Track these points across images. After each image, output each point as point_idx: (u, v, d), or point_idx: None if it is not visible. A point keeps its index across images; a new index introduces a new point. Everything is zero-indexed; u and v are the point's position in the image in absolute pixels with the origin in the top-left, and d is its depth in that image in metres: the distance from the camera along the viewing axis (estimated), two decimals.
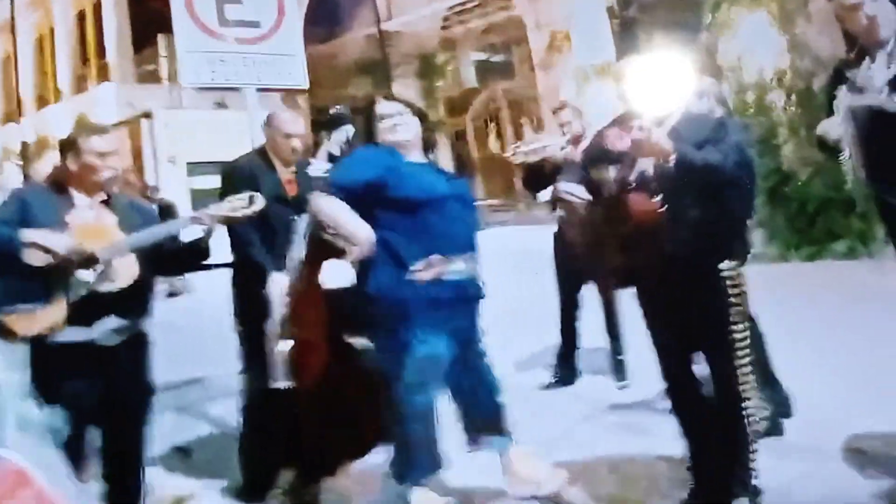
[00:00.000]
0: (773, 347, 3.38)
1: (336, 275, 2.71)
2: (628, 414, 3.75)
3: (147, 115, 14.94)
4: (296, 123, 3.40)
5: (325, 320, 2.86)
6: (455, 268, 2.69)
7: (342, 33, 16.98)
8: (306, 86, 4.72)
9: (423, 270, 2.65)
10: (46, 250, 2.54)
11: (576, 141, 4.15)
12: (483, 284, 2.83)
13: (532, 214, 11.47)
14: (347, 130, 3.22)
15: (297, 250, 3.01)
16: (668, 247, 2.49)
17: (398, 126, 2.81)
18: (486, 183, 16.33)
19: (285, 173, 3.36)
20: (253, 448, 3.23)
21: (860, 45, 2.53)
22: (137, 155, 15.20)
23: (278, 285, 3.04)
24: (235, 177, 3.31)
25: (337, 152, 3.19)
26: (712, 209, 2.53)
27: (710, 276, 2.54)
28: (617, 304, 4.11)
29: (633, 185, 2.55)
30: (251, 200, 2.90)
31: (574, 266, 4.16)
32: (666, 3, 12.59)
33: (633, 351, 4.00)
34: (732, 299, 2.56)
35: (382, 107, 2.87)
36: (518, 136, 15.66)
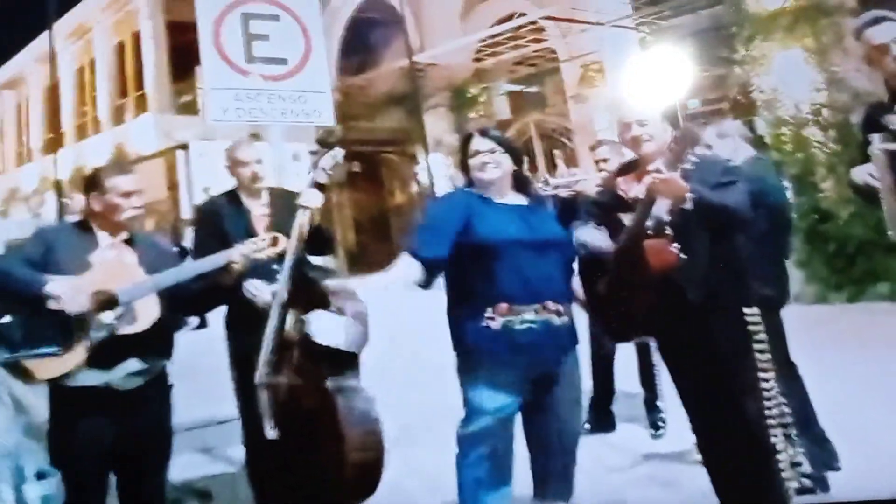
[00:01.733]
0: (814, 393, 3.24)
1: (328, 331, 2.58)
2: (662, 464, 3.61)
3: (183, 147, 15.17)
4: (249, 149, 3.34)
5: (307, 364, 2.76)
6: (525, 317, 2.53)
7: (375, 66, 17.14)
8: (333, 123, 4.72)
9: (494, 318, 2.53)
10: (67, 304, 2.51)
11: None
12: (575, 332, 2.66)
13: None
14: (335, 155, 2.95)
15: (281, 289, 2.79)
16: (689, 293, 2.41)
17: (488, 164, 2.69)
18: None
19: (256, 207, 3.30)
20: (259, 495, 3.15)
21: (892, 89, 2.43)
22: (173, 186, 15.40)
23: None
24: (200, 219, 3.34)
25: (324, 180, 2.94)
26: (731, 253, 2.49)
27: (733, 322, 2.48)
28: (652, 350, 3.98)
29: (650, 231, 2.50)
30: (274, 240, 2.87)
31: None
32: (699, 37, 12.55)
33: (670, 399, 3.87)
34: (758, 345, 2.48)
35: (476, 143, 2.74)
36: (551, 167, 15.60)
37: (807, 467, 3.02)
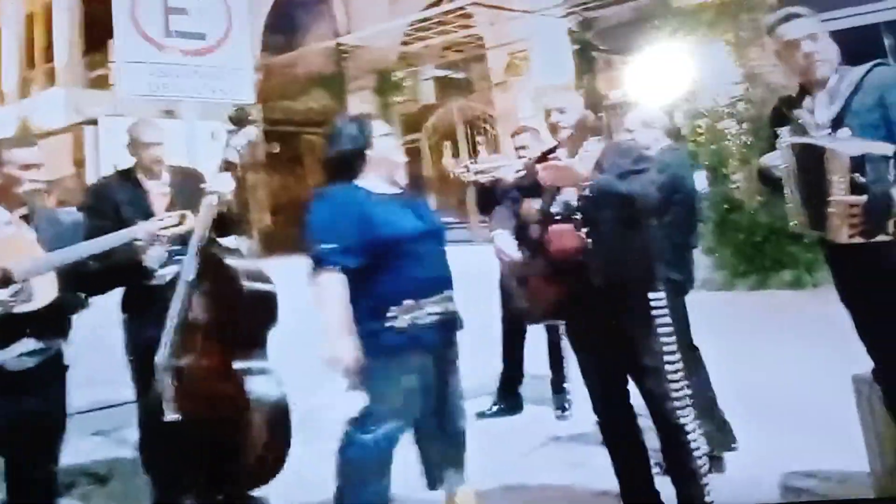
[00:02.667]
0: (716, 377, 3.36)
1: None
2: (568, 446, 3.69)
3: (92, 122, 14.57)
4: (152, 131, 3.26)
5: (213, 346, 2.73)
6: (430, 310, 2.47)
7: (300, 45, 16.84)
8: (252, 100, 4.62)
9: (397, 317, 2.44)
10: None
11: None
12: (459, 317, 2.61)
13: (483, 233, 11.46)
14: (248, 134, 2.86)
15: (187, 269, 2.72)
16: (593, 277, 2.48)
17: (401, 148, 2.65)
18: (439, 200, 16.32)
19: (157, 186, 3.23)
20: (153, 477, 3.09)
21: (801, 84, 2.53)
22: (80, 162, 14.80)
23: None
24: (92, 199, 3.25)
25: (235, 158, 2.83)
26: (637, 238, 2.55)
27: (638, 306, 2.54)
28: (561, 333, 4.06)
29: (558, 216, 2.56)
30: (182, 218, 2.80)
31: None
32: (624, 29, 12.80)
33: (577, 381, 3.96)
34: (663, 328, 2.55)
35: (381, 125, 2.64)
36: (473, 153, 15.68)
37: (704, 448, 3.14)
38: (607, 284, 2.49)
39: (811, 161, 2.31)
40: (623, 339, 2.56)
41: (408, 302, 2.44)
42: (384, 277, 2.46)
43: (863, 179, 2.17)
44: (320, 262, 2.43)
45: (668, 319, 2.56)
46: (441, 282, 2.55)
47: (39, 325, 2.56)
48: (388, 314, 2.43)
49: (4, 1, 18.54)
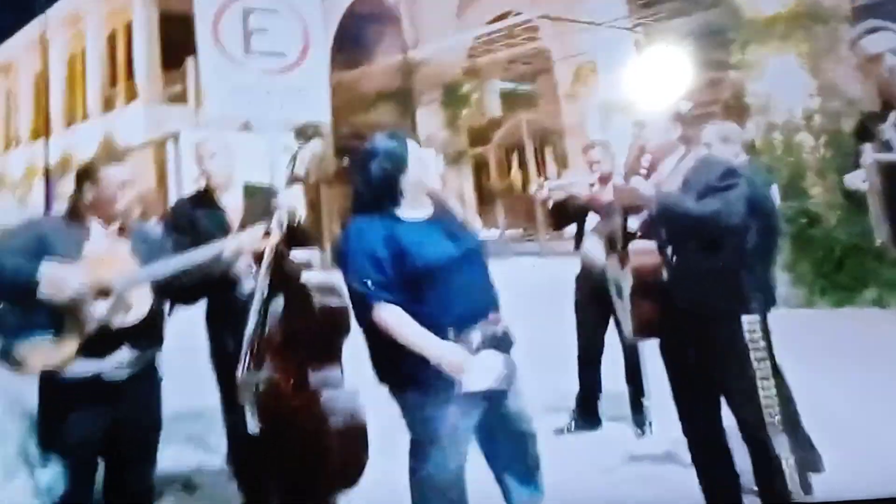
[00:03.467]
0: (798, 396, 3.28)
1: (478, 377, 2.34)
2: (648, 465, 3.63)
3: (173, 137, 15.10)
4: (211, 143, 3.32)
5: (288, 358, 2.79)
6: (475, 338, 2.37)
7: (368, 61, 17.12)
8: (328, 119, 4.73)
9: None
10: (60, 288, 2.50)
11: (604, 180, 4.08)
12: (511, 335, 2.52)
13: (553, 246, 11.41)
14: (314, 148, 2.96)
15: (261, 284, 2.80)
16: (676, 298, 2.44)
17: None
18: (507, 213, 16.31)
19: (231, 203, 3.31)
20: (241, 486, 3.14)
21: (884, 99, 2.46)
22: (162, 177, 15.33)
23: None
24: (175, 220, 3.33)
25: (302, 173, 2.90)
26: (724, 259, 2.49)
27: (731, 331, 2.49)
28: (639, 349, 4.02)
29: (639, 234, 2.54)
30: (266, 234, 2.88)
31: (596, 308, 4.07)
32: (695, 41, 12.60)
33: (657, 399, 3.90)
34: (757, 353, 2.49)
35: (415, 147, 2.58)
36: (541, 166, 15.65)
37: (794, 470, 3.06)
38: (694, 305, 2.45)
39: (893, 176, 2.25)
40: (715, 361, 2.52)
41: (450, 333, 2.35)
42: (423, 309, 2.37)
43: None
44: (362, 300, 2.39)
45: (762, 343, 2.51)
46: (483, 306, 2.44)
47: (136, 335, 2.66)
48: None
49: (88, 20, 19.45)
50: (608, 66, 13.58)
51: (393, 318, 2.36)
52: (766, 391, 2.50)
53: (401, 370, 2.42)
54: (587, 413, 4.26)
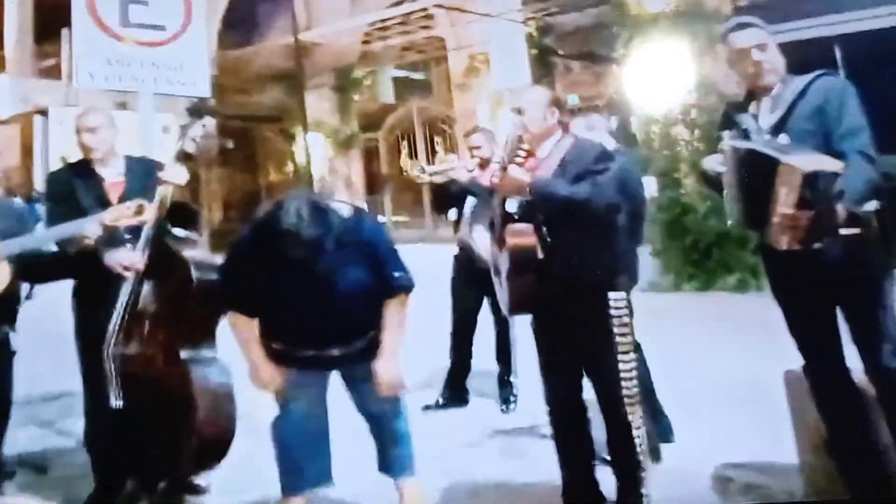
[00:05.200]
0: (659, 374, 3.48)
1: None
2: (512, 439, 3.76)
3: (42, 112, 14.26)
4: (98, 116, 3.21)
5: (161, 335, 2.79)
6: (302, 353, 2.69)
7: (259, 40, 16.70)
8: (208, 94, 4.60)
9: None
10: None
11: (483, 165, 4.19)
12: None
13: (439, 234, 11.54)
14: (206, 125, 2.94)
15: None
16: (550, 274, 2.56)
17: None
18: (395, 200, 16.37)
19: (111, 176, 3.19)
20: (95, 461, 3.10)
21: (749, 90, 2.65)
22: (28, 153, 14.47)
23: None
24: (51, 190, 3.22)
25: (192, 149, 2.91)
26: (595, 240, 2.60)
27: (598, 306, 2.59)
28: (511, 328, 4.17)
29: (516, 216, 2.62)
30: (139, 209, 2.80)
31: (471, 288, 4.19)
32: (581, 35, 13.00)
33: (523, 376, 4.05)
34: (620, 329, 2.61)
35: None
36: (431, 154, 15.76)
37: (646, 442, 3.25)
38: (567, 282, 2.56)
39: (759, 168, 2.38)
40: (582, 336, 2.63)
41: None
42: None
43: (810, 195, 2.20)
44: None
45: (627, 320, 2.61)
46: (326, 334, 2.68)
47: None
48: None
49: None
50: (500, 57, 13.85)
51: (235, 315, 2.63)
52: (627, 365, 2.62)
53: None
54: (456, 389, 4.38)
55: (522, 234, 2.60)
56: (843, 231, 2.26)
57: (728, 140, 2.56)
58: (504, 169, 2.66)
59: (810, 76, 2.51)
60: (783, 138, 2.44)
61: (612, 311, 2.59)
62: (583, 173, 2.56)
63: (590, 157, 2.62)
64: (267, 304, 2.60)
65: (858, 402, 2.53)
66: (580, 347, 2.66)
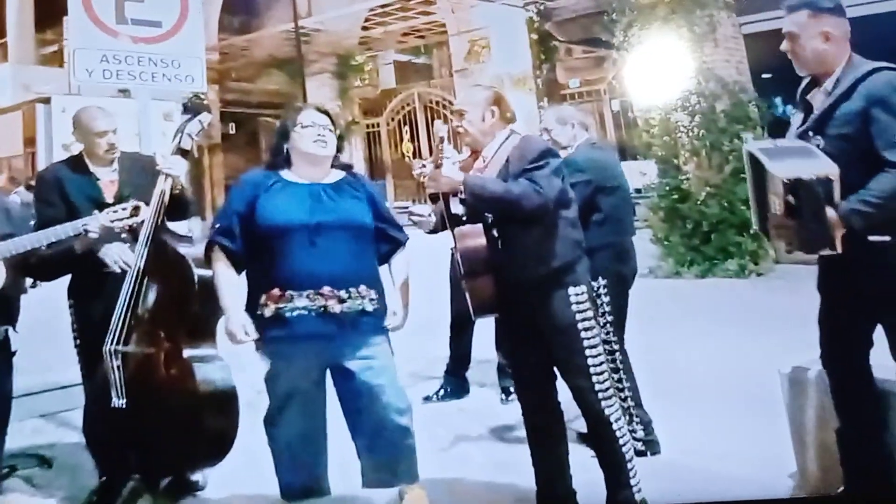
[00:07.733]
0: (654, 363, 3.49)
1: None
2: (511, 430, 3.75)
3: (45, 100, 14.24)
4: (106, 119, 3.21)
5: (162, 333, 2.81)
6: (297, 304, 2.51)
7: (259, 27, 16.65)
8: (204, 89, 4.61)
9: (265, 305, 2.52)
10: None
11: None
12: (371, 316, 2.60)
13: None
14: (203, 121, 2.96)
15: (137, 259, 2.83)
16: (504, 273, 2.55)
17: (321, 139, 2.65)
18: (397, 185, 16.36)
19: (105, 174, 3.19)
20: (97, 459, 3.10)
21: (811, 76, 2.44)
22: (31, 141, 14.48)
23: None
24: (42, 187, 3.20)
25: (189, 146, 2.93)
26: (543, 235, 2.57)
27: (556, 302, 2.58)
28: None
29: (463, 217, 2.62)
30: (136, 210, 2.82)
31: None
32: (581, 21, 12.94)
33: None
34: (583, 323, 2.59)
35: (312, 116, 2.69)
36: (432, 139, 15.75)
37: (640, 433, 3.29)
38: (521, 281, 2.56)
39: (759, 171, 2.33)
40: (545, 332, 2.61)
41: (274, 292, 2.50)
42: (261, 265, 2.57)
43: (794, 202, 2.13)
44: (208, 240, 2.62)
45: (589, 314, 2.60)
46: (320, 276, 2.52)
47: None
48: (260, 302, 2.52)
49: None
50: (500, 42, 13.81)
51: (216, 259, 2.59)
52: (595, 359, 2.60)
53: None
54: (456, 380, 4.41)
55: (471, 236, 2.58)
56: (872, 238, 2.17)
57: (751, 143, 2.48)
58: (438, 167, 2.64)
59: (863, 69, 2.29)
60: (817, 140, 2.29)
61: (574, 307, 2.58)
62: (521, 171, 2.55)
63: (531, 155, 2.59)
64: (266, 234, 2.54)
65: (876, 402, 2.47)
66: (546, 345, 2.63)
